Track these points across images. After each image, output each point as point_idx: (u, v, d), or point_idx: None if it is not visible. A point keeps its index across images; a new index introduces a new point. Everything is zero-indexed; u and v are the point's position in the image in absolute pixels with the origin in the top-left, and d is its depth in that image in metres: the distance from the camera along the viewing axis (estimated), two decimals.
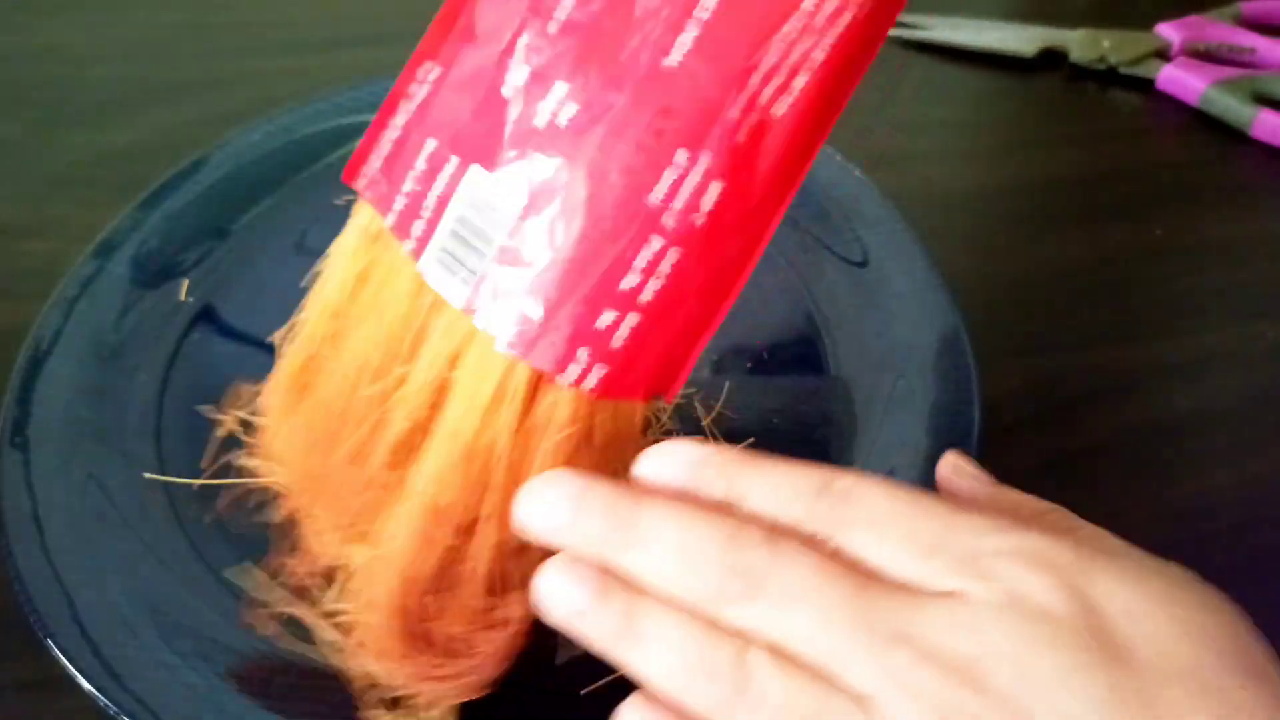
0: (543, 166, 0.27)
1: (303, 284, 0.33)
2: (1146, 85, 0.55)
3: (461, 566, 0.29)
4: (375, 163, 0.30)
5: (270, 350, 0.38)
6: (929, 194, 0.49)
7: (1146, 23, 0.57)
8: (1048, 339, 0.43)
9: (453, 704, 0.30)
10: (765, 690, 0.22)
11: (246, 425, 0.36)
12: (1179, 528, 0.37)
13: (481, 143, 0.28)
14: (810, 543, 0.24)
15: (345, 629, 0.30)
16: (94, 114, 0.53)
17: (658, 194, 0.26)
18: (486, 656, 0.29)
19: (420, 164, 0.29)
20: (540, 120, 0.27)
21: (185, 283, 0.42)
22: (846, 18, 0.26)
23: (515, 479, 0.28)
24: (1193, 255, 0.47)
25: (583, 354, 0.27)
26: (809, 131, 0.27)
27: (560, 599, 0.25)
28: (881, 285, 0.41)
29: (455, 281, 0.28)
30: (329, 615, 0.31)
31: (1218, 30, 0.57)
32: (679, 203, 0.26)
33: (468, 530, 0.29)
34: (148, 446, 0.37)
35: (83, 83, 0.55)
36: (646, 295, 0.27)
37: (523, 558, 0.29)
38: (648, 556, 0.24)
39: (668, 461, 0.26)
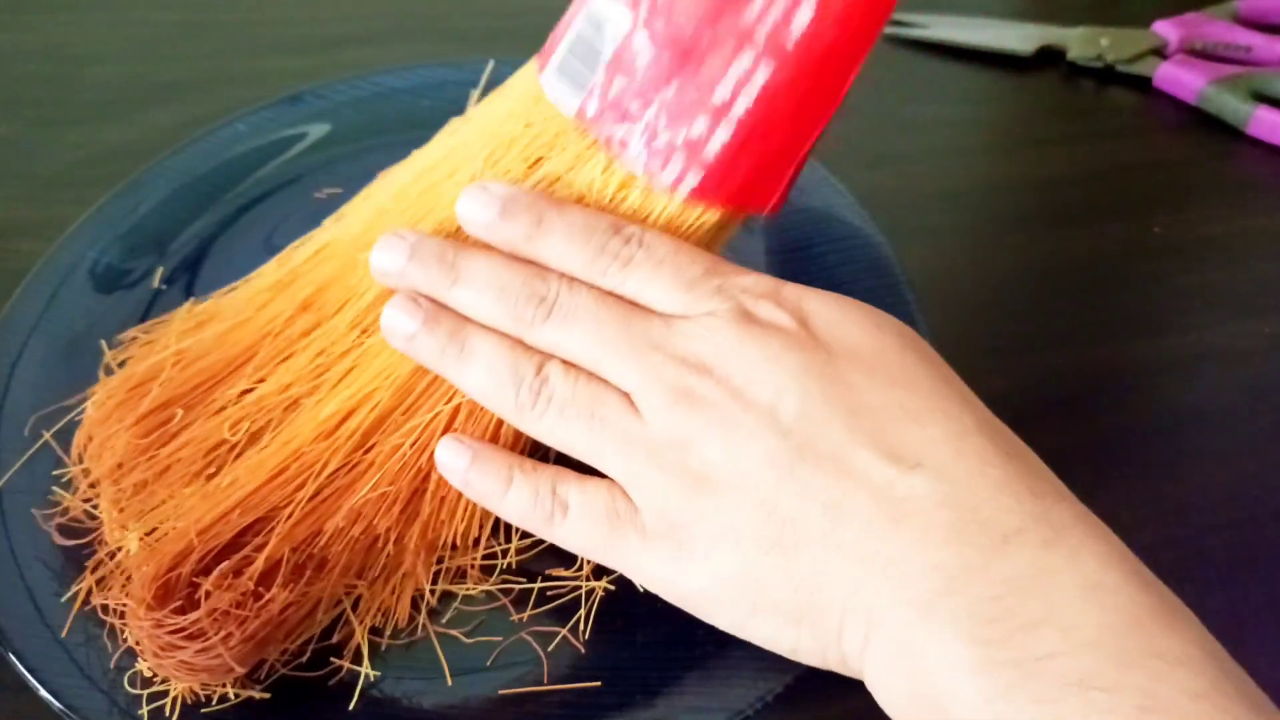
0: None
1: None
2: (1144, 83, 0.55)
3: (254, 541, 0.30)
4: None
5: None
6: (927, 192, 0.49)
7: (1144, 21, 0.57)
8: (1045, 337, 0.43)
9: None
10: (555, 389, 0.29)
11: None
12: (1177, 525, 0.37)
13: None
14: (594, 283, 0.30)
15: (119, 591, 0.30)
16: (92, 113, 0.53)
17: (750, 13, 0.30)
18: (238, 641, 0.29)
19: (566, 14, 0.33)
20: None
21: (160, 270, 0.42)
22: None
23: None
24: (1190, 253, 0.47)
25: (678, 158, 0.31)
26: None
27: (398, 325, 0.30)
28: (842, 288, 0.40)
29: (568, 89, 0.32)
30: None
31: (1215, 28, 0.57)
32: (769, 22, 0.29)
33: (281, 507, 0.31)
34: None
35: (81, 82, 0.55)
36: (738, 110, 0.30)
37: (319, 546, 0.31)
38: (469, 291, 0.30)
39: (482, 198, 0.31)
